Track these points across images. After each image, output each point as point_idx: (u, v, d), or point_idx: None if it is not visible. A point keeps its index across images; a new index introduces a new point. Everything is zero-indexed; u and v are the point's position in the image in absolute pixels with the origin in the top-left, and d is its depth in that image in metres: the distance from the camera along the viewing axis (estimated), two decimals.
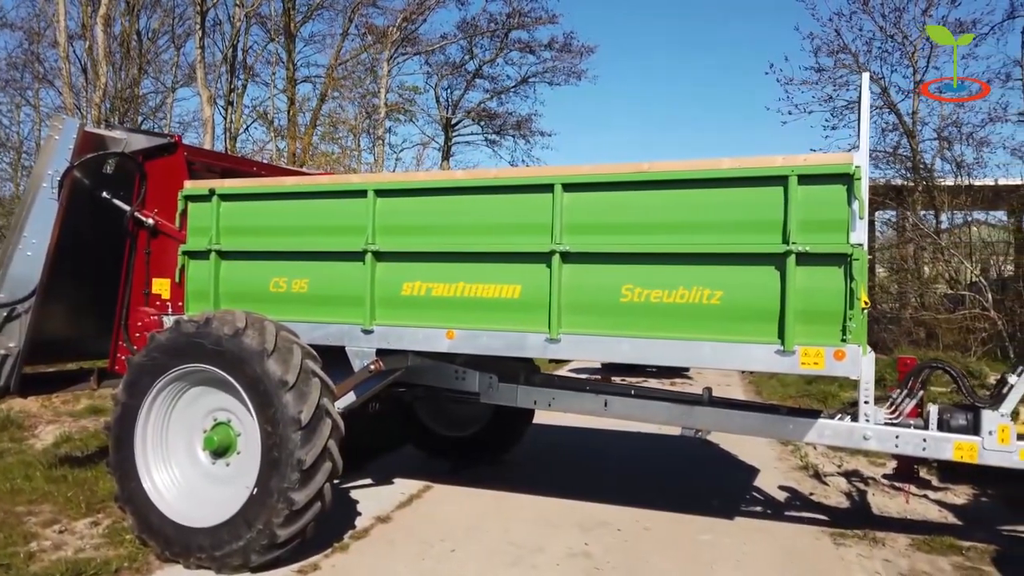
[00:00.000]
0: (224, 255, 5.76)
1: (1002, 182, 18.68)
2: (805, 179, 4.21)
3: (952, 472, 7.12)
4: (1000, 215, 20.50)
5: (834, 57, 21.82)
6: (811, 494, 6.81)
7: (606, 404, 5.42)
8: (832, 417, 4.98)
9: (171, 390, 4.96)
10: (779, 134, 45.73)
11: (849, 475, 7.59)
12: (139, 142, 6.06)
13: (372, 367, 5.27)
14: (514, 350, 4.96)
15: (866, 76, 4.46)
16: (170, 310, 5.96)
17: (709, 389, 5.45)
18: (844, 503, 6.57)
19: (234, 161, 7.12)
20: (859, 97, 4.57)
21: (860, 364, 4.17)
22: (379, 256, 5.27)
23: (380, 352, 5.31)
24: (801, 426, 4.95)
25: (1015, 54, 18.28)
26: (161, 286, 6.06)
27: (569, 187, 4.75)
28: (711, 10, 48.34)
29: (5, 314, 6.00)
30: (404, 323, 5.23)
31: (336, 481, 4.88)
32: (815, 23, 27.21)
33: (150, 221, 5.99)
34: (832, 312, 4.17)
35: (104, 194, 6.08)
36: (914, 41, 20.79)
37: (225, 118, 19.89)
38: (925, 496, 6.71)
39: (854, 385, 13.55)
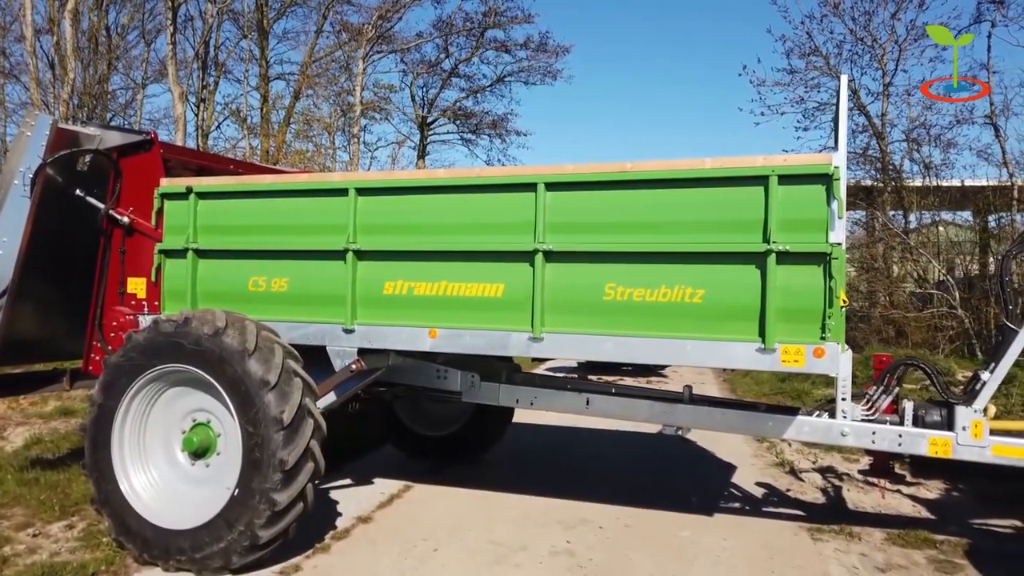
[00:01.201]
0: (202, 254, 5.69)
1: (968, 183, 19.08)
2: (785, 179, 4.27)
3: (924, 467, 7.27)
4: (967, 215, 20.93)
5: (805, 59, 22.19)
6: (788, 490, 6.90)
7: (588, 402, 5.45)
8: (810, 414, 5.05)
9: (149, 391, 4.89)
10: (752, 136, 46.23)
11: (824, 471, 7.70)
12: (114, 139, 5.96)
13: (354, 367, 5.24)
14: (497, 349, 4.96)
15: (844, 78, 4.54)
16: (146, 309, 5.87)
17: (689, 387, 5.50)
18: (820, 499, 6.67)
19: (210, 159, 7.03)
20: (837, 99, 4.63)
21: (839, 362, 4.23)
22: (360, 255, 5.24)
23: (361, 352, 5.28)
24: (780, 423, 5.01)
25: (981, 58, 18.64)
26: (136, 285, 5.97)
27: (552, 186, 4.76)
28: (686, 11, 48.63)
29: None
30: (386, 322, 5.20)
31: (317, 482, 4.85)
32: (787, 26, 27.49)
33: (125, 219, 5.89)
34: (812, 310, 4.23)
35: (77, 192, 5.97)
36: (883, 44, 21.19)
37: (197, 115, 19.64)
38: (899, 491, 6.84)
39: (827, 383, 13.79)
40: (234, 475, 4.64)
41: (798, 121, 25.88)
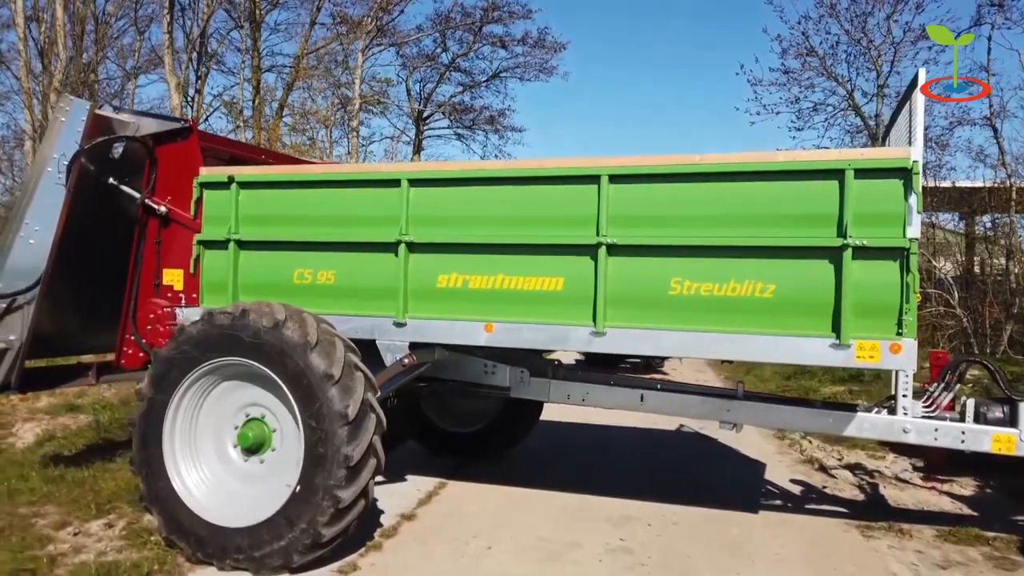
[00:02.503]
0: (244, 245, 5.55)
1: (961, 184, 19.26)
2: (862, 173, 4.22)
3: (954, 464, 7.29)
4: (949, 216, 21.10)
5: (801, 59, 22.30)
6: (824, 487, 6.88)
7: (642, 399, 5.38)
8: (869, 411, 5.03)
9: (201, 385, 4.75)
10: (748, 135, 46.28)
11: (852, 468, 7.70)
12: (150, 126, 5.79)
13: (406, 361, 5.14)
14: (557, 343, 4.89)
15: (922, 71, 4.48)
16: (183, 302, 5.72)
17: (742, 384, 5.45)
18: (858, 496, 6.66)
19: (241, 147, 6.86)
20: (911, 92, 4.60)
21: (915, 357, 4.20)
22: (413, 247, 5.13)
23: (410, 346, 5.19)
24: (841, 419, 4.98)
25: (981, 60, 18.81)
26: (172, 277, 5.81)
27: (616, 178, 4.69)
28: (684, 9, 48.53)
29: (5, 305, 5.69)
30: (439, 316, 5.10)
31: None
32: (783, 26, 27.61)
33: (162, 209, 5.73)
34: (888, 306, 4.19)
35: (110, 180, 5.80)
36: (878, 46, 21.33)
37: (192, 107, 19.32)
38: (934, 488, 6.85)
39: (834, 380, 13.78)
40: (291, 471, 4.53)
41: (791, 121, 26.08)
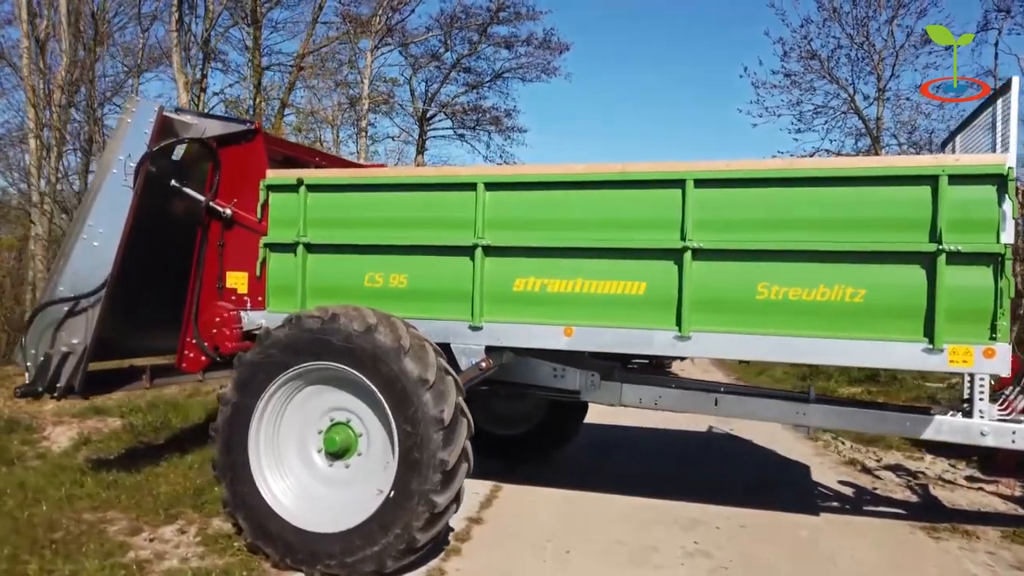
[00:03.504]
0: (312, 248, 5.51)
1: None
2: (956, 179, 4.26)
3: (992, 466, 7.38)
4: None
5: (804, 62, 22.45)
6: (874, 488, 6.94)
7: (716, 402, 5.40)
8: (943, 414, 5.07)
9: (286, 389, 4.71)
10: (750, 137, 46.29)
11: (894, 469, 7.77)
12: (214, 128, 5.74)
13: (483, 365, 5.12)
14: (640, 347, 4.89)
15: (1015, 80, 4.53)
16: (249, 305, 5.67)
17: (811, 386, 5.49)
18: (911, 497, 6.72)
19: (296, 149, 6.80)
20: (995, 99, 4.65)
21: (1008, 362, 4.24)
22: (489, 251, 5.11)
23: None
24: (918, 423, 5.02)
25: (989, 64, 18.97)
26: (237, 280, 5.76)
27: (702, 183, 4.70)
28: (686, 11, 48.39)
29: (67, 309, 5.62)
30: (516, 320, 5.09)
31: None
32: (785, 28, 27.78)
33: (227, 211, 5.68)
34: (982, 311, 4.23)
35: (172, 182, 5.75)
36: (880, 50, 21.52)
37: (197, 104, 19.12)
38: (980, 488, 6.93)
39: (851, 380, 13.83)
40: (378, 476, 4.53)
41: (792, 123, 26.17)
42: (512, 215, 5.11)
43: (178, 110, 5.91)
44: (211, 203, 5.69)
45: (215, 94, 23.78)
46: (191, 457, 7.19)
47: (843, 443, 8.97)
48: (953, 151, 5.98)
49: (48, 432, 8.69)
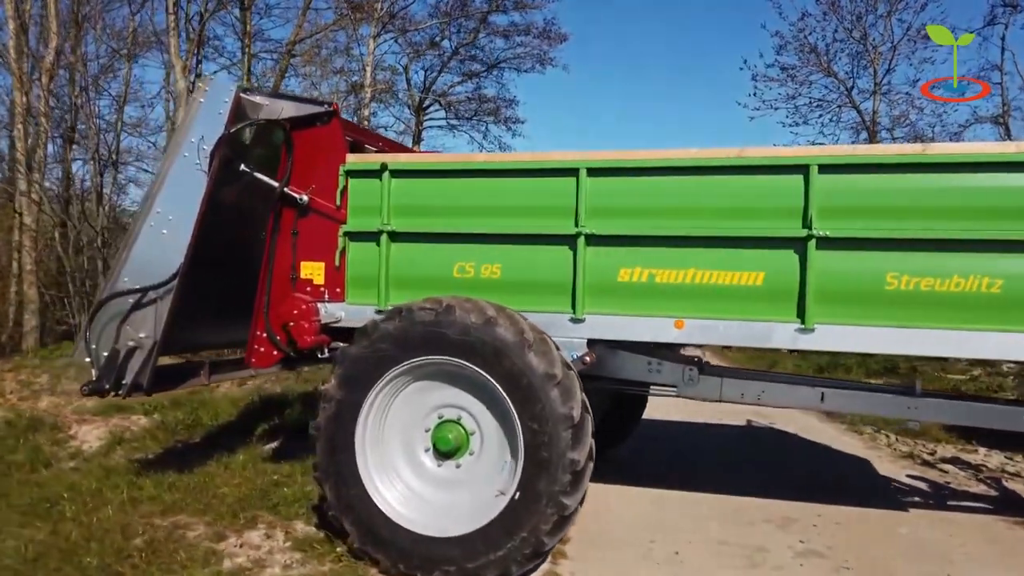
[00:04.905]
0: (396, 236, 5.22)
1: None
2: None
3: None
4: None
5: (802, 56, 22.46)
6: (947, 483, 6.86)
7: (823, 397, 5.21)
8: None
9: (394, 385, 4.44)
10: (747, 130, 46.37)
11: (954, 462, 7.70)
12: (288, 109, 5.41)
13: (587, 359, 4.89)
14: (758, 341, 4.68)
15: None
16: (326, 296, 5.37)
17: (916, 380, 5.34)
18: (989, 491, 6.64)
19: (361, 133, 6.48)
20: None
21: None
22: (591, 240, 4.87)
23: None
24: None
25: (995, 59, 19.13)
26: (311, 270, 5.44)
27: (826, 168, 4.50)
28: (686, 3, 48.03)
29: (133, 301, 5.27)
30: (621, 312, 4.86)
31: None
32: (783, 22, 27.81)
33: (304, 198, 5.36)
34: None
35: (242, 167, 5.41)
36: (876, 46, 21.60)
37: (191, 91, 18.55)
38: None
39: (868, 372, 13.79)
40: (494, 477, 4.31)
41: (787, 116, 26.21)
42: (617, 203, 4.87)
43: (246, 90, 5.55)
44: (286, 189, 5.37)
45: (197, 76, 23.15)
46: (241, 456, 6.89)
47: (886, 435, 8.91)
48: None
49: (74, 431, 8.31)
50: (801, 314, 4.53)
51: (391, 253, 5.23)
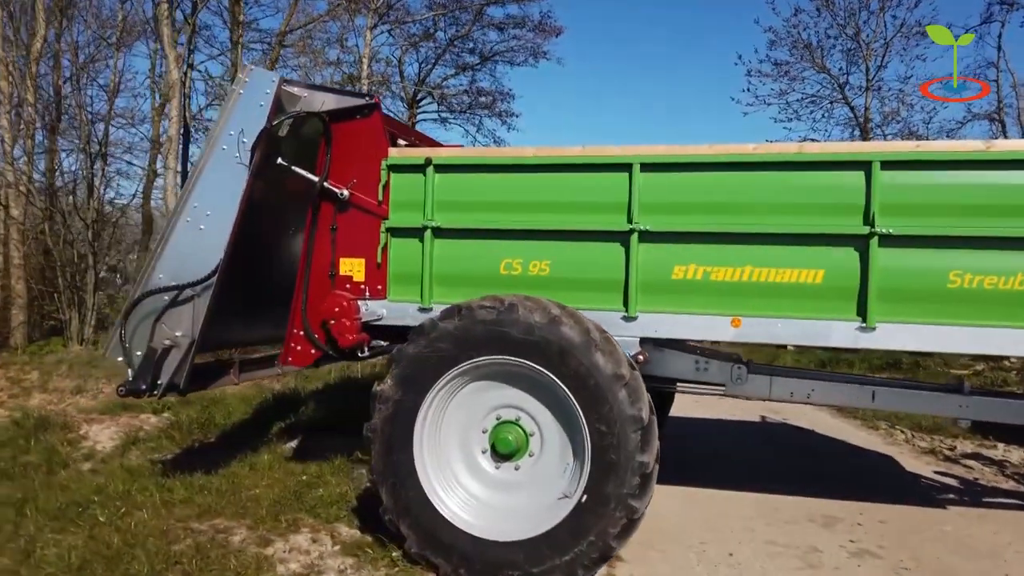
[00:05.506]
0: (440, 232, 5.10)
1: None
2: None
3: None
4: None
5: (795, 51, 22.53)
6: (976, 479, 6.87)
7: (873, 396, 5.17)
8: None
9: (452, 385, 4.32)
10: (741, 125, 46.45)
11: (976, 458, 7.73)
12: (331, 101, 5.26)
13: (640, 358, 4.80)
14: (817, 339, 4.62)
15: None
16: (367, 293, 5.23)
17: (963, 378, 5.33)
18: (1019, 487, 6.65)
19: (395, 126, 6.32)
20: None
21: None
22: (645, 236, 4.79)
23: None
24: None
25: (991, 56, 19.24)
26: (351, 266, 5.30)
27: (888, 165, 4.45)
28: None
29: (169, 299, 5.11)
30: (675, 310, 4.78)
31: None
32: (776, 18, 27.90)
33: (344, 193, 5.21)
34: None
35: (280, 161, 5.26)
36: (869, 42, 21.71)
37: (184, 83, 18.20)
38: None
39: (871, 368, 13.89)
40: (556, 479, 4.22)
41: (780, 110, 26.28)
42: (671, 199, 4.78)
43: (285, 81, 5.38)
44: (325, 184, 5.22)
45: (190, 67, 22.76)
46: (265, 456, 6.74)
47: (903, 431, 8.94)
48: None
49: (85, 431, 8.09)
50: (862, 312, 4.48)
51: (435, 249, 5.11)
